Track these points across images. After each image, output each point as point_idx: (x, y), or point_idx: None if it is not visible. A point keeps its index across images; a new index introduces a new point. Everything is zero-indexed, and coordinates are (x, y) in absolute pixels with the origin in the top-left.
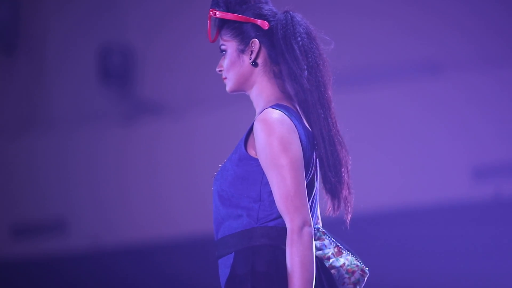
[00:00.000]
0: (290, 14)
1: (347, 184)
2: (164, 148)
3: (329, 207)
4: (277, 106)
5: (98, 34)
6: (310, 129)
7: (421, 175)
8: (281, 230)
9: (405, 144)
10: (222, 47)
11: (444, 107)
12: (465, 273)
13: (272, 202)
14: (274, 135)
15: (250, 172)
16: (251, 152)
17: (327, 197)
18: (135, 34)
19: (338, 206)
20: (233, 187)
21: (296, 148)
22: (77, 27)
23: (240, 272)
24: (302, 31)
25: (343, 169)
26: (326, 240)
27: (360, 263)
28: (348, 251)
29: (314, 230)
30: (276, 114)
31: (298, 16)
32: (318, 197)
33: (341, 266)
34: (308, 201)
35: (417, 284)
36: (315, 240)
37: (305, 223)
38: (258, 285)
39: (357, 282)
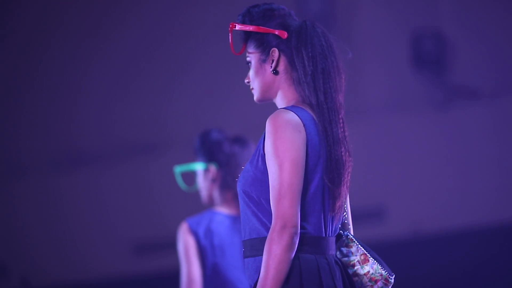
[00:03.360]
0: (306, 23)
1: (347, 186)
2: (476, 135)
3: (330, 206)
4: (290, 107)
5: (411, 19)
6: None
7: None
8: (304, 237)
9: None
10: (247, 59)
11: None
12: None
13: None
14: (278, 134)
15: (267, 174)
16: None
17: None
18: (447, 19)
19: (337, 206)
20: (253, 188)
21: (297, 149)
22: (389, 13)
23: None
24: (315, 39)
25: (344, 171)
26: (353, 247)
27: (385, 272)
28: (375, 259)
29: (343, 236)
30: (284, 114)
31: (316, 25)
32: (348, 203)
33: (364, 274)
34: (323, 199)
35: None
36: (342, 247)
37: (287, 224)
38: None
39: None
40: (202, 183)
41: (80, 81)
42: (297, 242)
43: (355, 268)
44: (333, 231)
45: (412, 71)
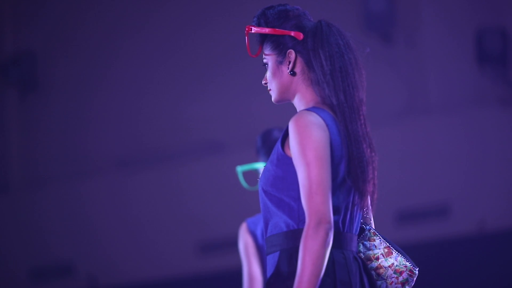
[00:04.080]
0: (321, 22)
1: (373, 182)
2: None
3: (357, 203)
4: (312, 108)
5: (475, 16)
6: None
7: None
8: None
9: None
10: (264, 60)
11: None
12: None
13: None
14: (304, 133)
15: (288, 171)
16: (288, 152)
17: (355, 194)
18: None
19: (365, 203)
20: (274, 186)
21: (323, 147)
22: (452, 10)
23: (284, 270)
24: (331, 38)
25: (369, 168)
26: (376, 240)
27: (409, 263)
28: (398, 251)
29: (365, 230)
30: (308, 115)
31: (331, 24)
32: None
33: (389, 266)
34: (345, 197)
35: None
36: (365, 241)
37: (322, 220)
38: None
39: (405, 281)
40: None
41: (148, 81)
42: (332, 237)
43: (380, 260)
44: (353, 228)
45: (477, 68)
